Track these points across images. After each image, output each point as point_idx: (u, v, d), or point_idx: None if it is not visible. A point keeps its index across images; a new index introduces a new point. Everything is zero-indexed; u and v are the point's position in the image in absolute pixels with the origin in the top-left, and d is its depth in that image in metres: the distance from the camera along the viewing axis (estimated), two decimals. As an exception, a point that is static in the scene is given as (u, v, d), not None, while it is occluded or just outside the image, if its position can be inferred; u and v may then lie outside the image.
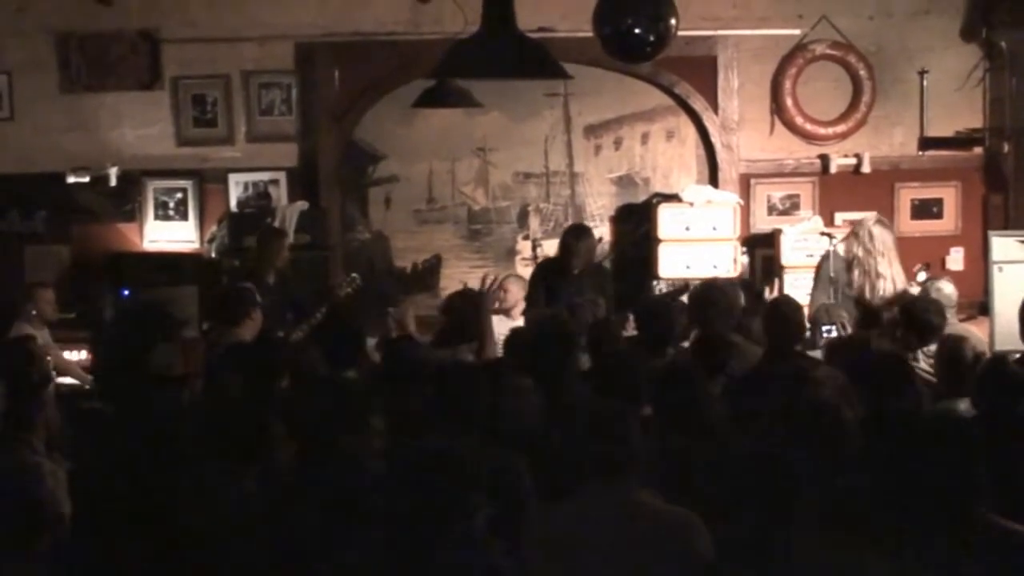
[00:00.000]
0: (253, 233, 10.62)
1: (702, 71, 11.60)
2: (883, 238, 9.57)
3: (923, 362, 7.72)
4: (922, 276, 9.23)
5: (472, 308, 8.16)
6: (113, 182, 11.32)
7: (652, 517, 4.51)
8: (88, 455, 5.69)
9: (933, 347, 7.67)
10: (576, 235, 10.16)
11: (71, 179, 11.21)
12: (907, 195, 11.82)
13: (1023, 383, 6.16)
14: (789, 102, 11.64)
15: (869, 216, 9.94)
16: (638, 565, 4.39)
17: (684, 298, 9.18)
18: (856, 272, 9.51)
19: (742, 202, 11.42)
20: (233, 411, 5.44)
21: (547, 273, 10.11)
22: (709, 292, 8.36)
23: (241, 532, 4.50)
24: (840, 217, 11.58)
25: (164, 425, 5.52)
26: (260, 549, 4.47)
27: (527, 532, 4.55)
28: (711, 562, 4.32)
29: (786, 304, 7.97)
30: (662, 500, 4.63)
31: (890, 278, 9.42)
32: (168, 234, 11.49)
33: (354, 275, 10.11)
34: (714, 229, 11.14)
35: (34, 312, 9.55)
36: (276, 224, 10.97)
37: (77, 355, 9.91)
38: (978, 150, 11.70)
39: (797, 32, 11.56)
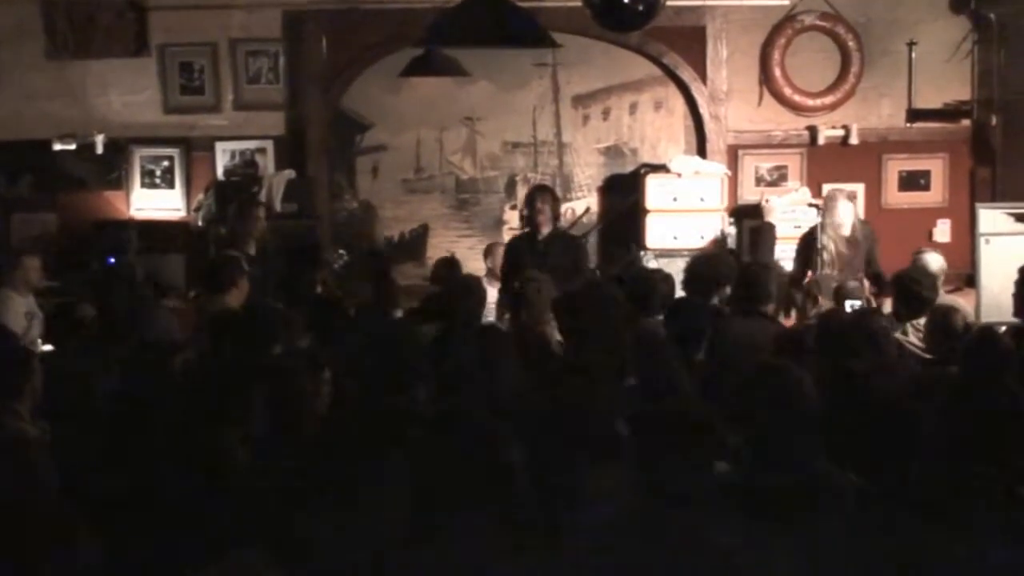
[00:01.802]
0: (254, 203, 10.58)
1: (691, 41, 11.58)
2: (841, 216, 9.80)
3: (912, 335, 7.74)
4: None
5: None
6: (100, 149, 11.28)
7: None
8: (75, 422, 5.69)
9: (922, 320, 7.70)
10: (541, 194, 10.03)
11: (57, 146, 11.18)
12: (895, 167, 11.83)
13: (1011, 354, 6.21)
14: (777, 73, 11.64)
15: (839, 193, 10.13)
16: None
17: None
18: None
19: (730, 173, 11.42)
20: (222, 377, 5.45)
21: (515, 246, 10.01)
22: (696, 264, 8.44)
23: (228, 494, 4.49)
24: (828, 188, 11.58)
25: (155, 391, 5.52)
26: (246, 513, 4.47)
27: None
28: None
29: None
30: None
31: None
32: (155, 202, 11.46)
33: (341, 251, 10.07)
34: (701, 200, 11.14)
35: (20, 279, 9.51)
36: (263, 193, 10.95)
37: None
38: (966, 122, 11.71)
39: (786, 3, 11.55)
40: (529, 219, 9.88)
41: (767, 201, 10.61)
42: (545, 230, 9.82)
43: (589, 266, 9.98)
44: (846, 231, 9.96)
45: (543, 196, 9.97)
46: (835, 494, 4.27)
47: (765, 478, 4.26)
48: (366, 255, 8.95)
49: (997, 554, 4.03)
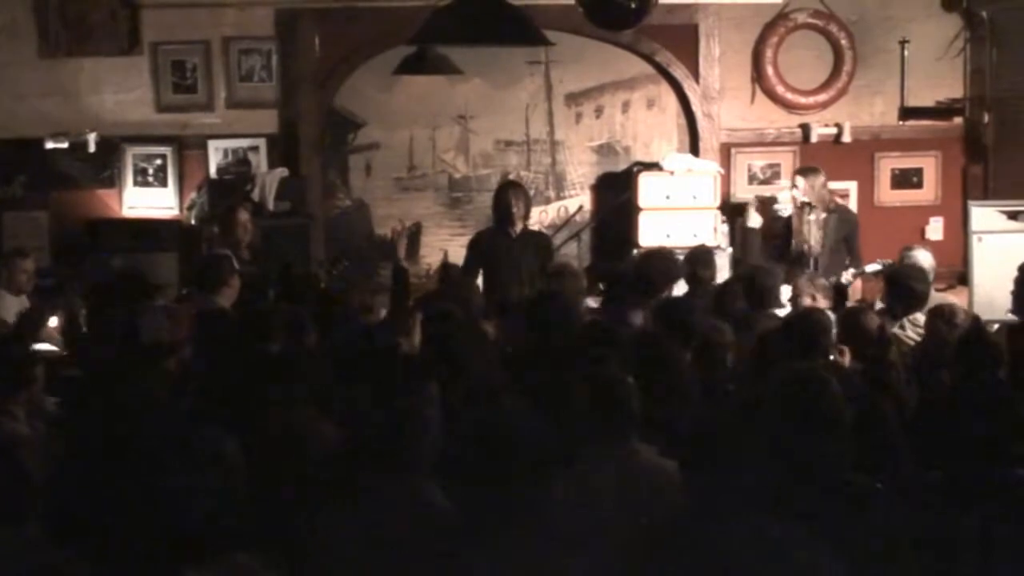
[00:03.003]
0: (238, 203, 10.56)
1: (683, 39, 11.58)
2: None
3: (910, 330, 7.74)
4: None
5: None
6: (92, 148, 11.25)
7: (652, 469, 4.62)
8: (70, 424, 5.69)
9: (918, 315, 7.71)
10: (515, 191, 9.92)
11: (50, 145, 11.16)
12: (887, 165, 11.85)
13: (1002, 352, 6.23)
14: (770, 71, 11.64)
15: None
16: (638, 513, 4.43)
17: None
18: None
19: (722, 171, 11.42)
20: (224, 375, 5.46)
21: (483, 241, 9.88)
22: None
23: (230, 495, 4.49)
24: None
25: (147, 394, 5.52)
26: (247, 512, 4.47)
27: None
28: None
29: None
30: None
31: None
32: (147, 200, 11.44)
33: (345, 263, 9.98)
34: (694, 198, 11.15)
35: (10, 280, 9.47)
36: (256, 192, 10.93)
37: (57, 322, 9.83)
38: (958, 120, 11.73)
39: (778, 0, 11.55)
40: (502, 215, 9.77)
41: (756, 206, 10.48)
42: (519, 227, 9.77)
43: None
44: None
45: (517, 193, 9.89)
46: (862, 501, 4.29)
47: (794, 485, 4.28)
48: (395, 271, 8.91)
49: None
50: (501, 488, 4.04)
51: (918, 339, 7.57)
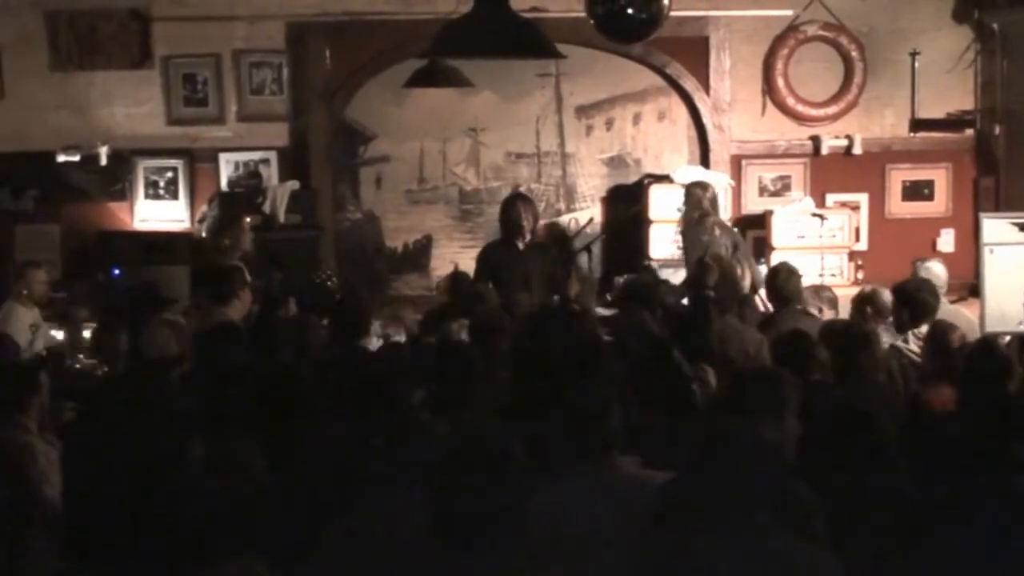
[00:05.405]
0: (244, 212, 10.59)
1: (694, 52, 11.59)
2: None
3: (912, 343, 7.74)
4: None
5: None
6: (103, 161, 11.28)
7: (636, 483, 4.57)
8: (79, 436, 5.69)
9: (923, 328, 7.70)
10: (525, 203, 9.88)
11: (61, 158, 11.18)
12: (898, 177, 11.83)
13: (1010, 365, 6.23)
14: (781, 83, 11.64)
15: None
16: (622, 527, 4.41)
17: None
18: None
19: (733, 183, 11.42)
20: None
21: (491, 254, 9.83)
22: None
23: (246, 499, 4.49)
24: (831, 198, 11.61)
25: (152, 405, 5.52)
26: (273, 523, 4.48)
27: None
28: None
29: None
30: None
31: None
32: (158, 213, 11.46)
33: (328, 271, 9.96)
34: (705, 210, 11.12)
35: (24, 292, 9.47)
36: (267, 205, 10.95)
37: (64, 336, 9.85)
38: (969, 132, 11.72)
39: (789, 13, 11.55)
40: (510, 227, 9.71)
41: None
42: (527, 239, 9.74)
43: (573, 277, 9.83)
44: None
45: (527, 205, 9.85)
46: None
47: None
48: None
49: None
50: (479, 499, 4.01)
51: (919, 351, 7.57)
